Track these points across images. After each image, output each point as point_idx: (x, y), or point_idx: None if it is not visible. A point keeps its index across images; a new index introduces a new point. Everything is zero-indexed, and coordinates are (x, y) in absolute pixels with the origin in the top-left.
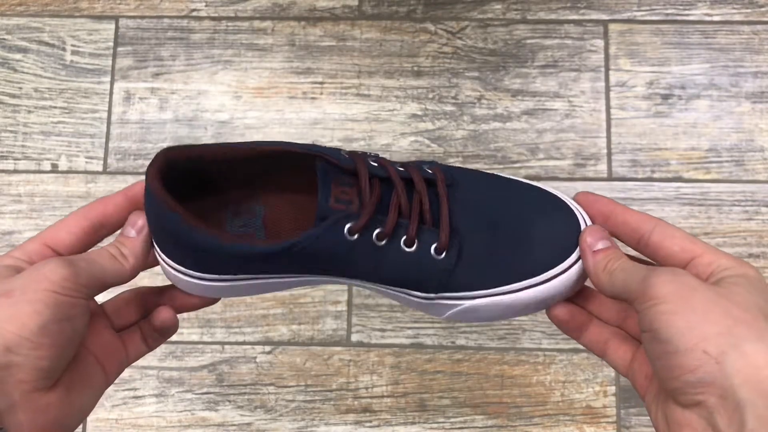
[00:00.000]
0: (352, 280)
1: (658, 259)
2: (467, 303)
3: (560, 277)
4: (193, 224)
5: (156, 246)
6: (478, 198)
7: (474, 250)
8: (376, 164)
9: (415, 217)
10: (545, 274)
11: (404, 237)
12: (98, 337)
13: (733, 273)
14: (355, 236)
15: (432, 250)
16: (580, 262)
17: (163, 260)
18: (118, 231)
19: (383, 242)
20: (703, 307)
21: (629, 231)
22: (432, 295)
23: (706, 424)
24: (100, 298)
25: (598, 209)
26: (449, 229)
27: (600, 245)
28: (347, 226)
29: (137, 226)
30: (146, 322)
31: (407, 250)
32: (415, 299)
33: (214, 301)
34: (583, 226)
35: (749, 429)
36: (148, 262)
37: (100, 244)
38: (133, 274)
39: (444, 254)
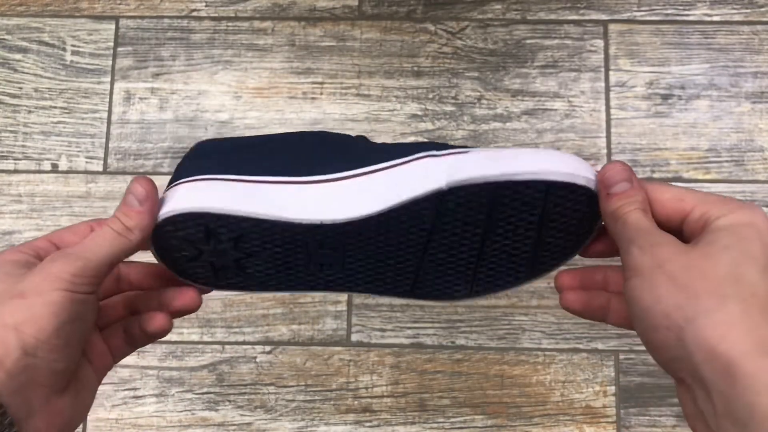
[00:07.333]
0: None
1: (654, 214)
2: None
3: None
4: None
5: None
6: None
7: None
8: None
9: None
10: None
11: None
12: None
13: (722, 225)
14: None
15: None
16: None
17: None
18: None
19: None
20: (671, 278)
21: None
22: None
23: (692, 402)
24: None
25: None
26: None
27: (616, 188)
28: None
29: (140, 194)
30: (133, 321)
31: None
32: (431, 159)
33: (206, 290)
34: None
35: (719, 412)
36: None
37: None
38: (140, 248)
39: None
